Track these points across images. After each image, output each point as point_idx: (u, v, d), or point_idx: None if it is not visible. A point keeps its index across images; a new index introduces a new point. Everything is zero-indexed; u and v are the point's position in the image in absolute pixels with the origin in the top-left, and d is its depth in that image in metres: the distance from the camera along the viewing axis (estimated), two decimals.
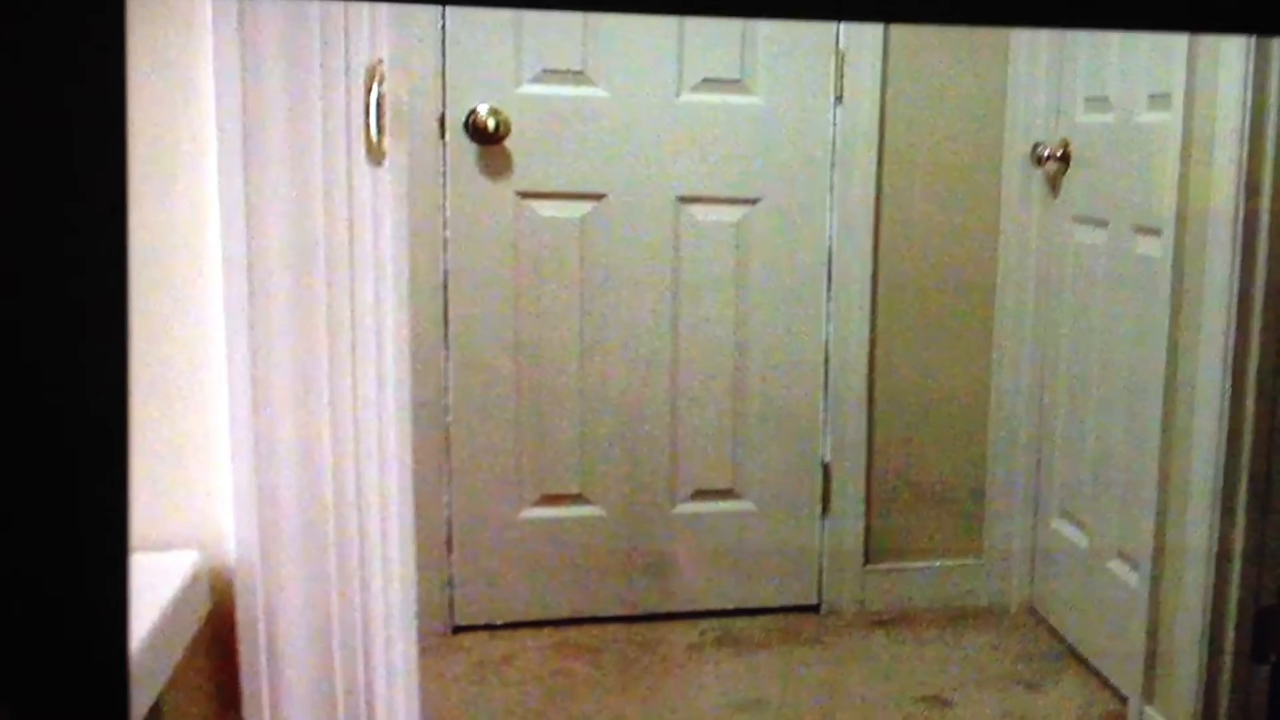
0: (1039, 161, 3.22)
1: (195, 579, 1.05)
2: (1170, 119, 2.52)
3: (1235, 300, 2.28)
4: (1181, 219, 2.48)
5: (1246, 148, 2.26)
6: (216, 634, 1.11)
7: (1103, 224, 2.98)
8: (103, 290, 0.53)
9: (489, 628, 3.20)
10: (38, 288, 0.51)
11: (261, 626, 1.11)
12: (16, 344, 0.51)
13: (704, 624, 3.28)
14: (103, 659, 0.55)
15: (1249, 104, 2.25)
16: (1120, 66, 2.90)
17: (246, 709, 1.12)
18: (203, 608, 1.08)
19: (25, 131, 0.50)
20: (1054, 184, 3.23)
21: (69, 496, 0.53)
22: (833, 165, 3.23)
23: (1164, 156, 2.55)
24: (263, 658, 1.11)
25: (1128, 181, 2.87)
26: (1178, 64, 2.47)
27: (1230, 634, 2.39)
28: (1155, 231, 2.64)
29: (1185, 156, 2.45)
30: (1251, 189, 2.26)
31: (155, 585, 0.98)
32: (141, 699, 0.91)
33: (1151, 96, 2.74)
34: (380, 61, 1.17)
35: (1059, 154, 3.17)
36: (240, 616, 1.10)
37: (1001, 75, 3.27)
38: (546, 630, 3.21)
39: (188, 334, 1.08)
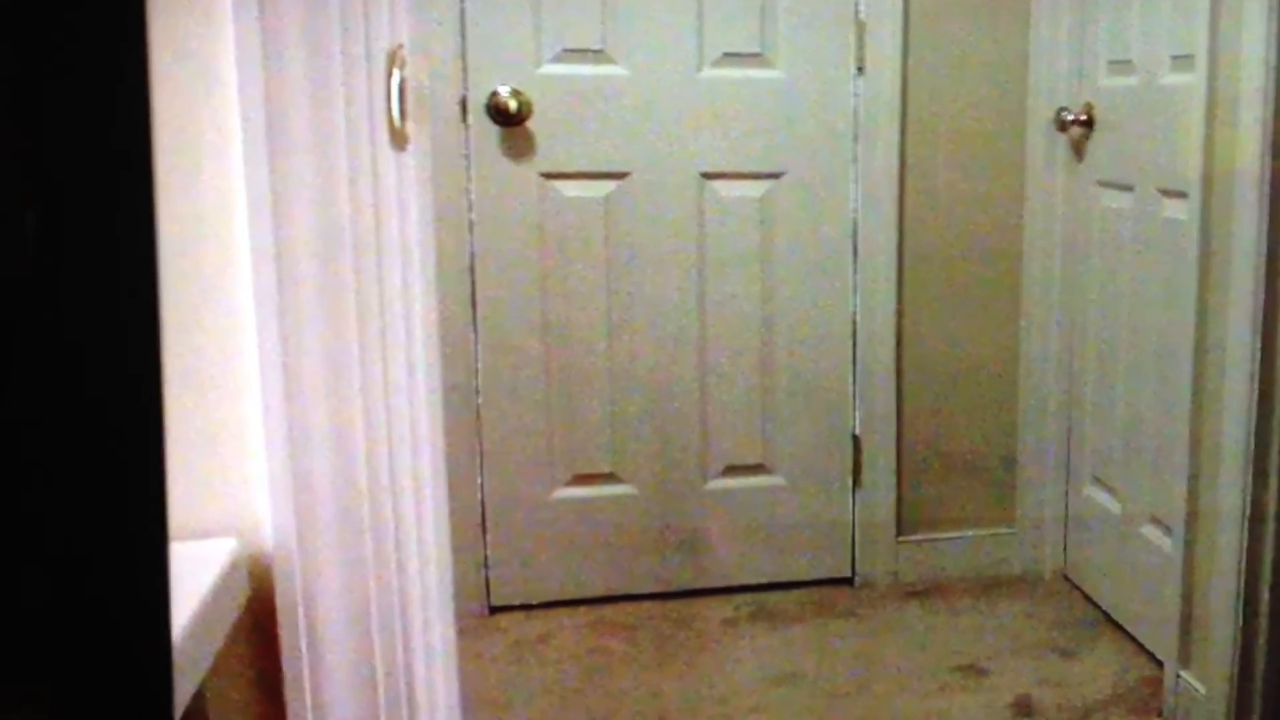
0: (1063, 126, 3.21)
1: (234, 566, 1.06)
2: (1194, 80, 2.50)
3: (1263, 261, 2.27)
4: (1207, 181, 2.46)
5: (1271, 107, 2.24)
6: (256, 620, 1.12)
7: (1128, 188, 2.96)
8: (134, 283, 0.53)
9: (525, 608, 3.22)
10: (70, 282, 0.51)
11: (301, 611, 1.12)
12: (51, 340, 0.51)
13: (738, 599, 3.29)
14: (146, 648, 0.55)
15: (1273, 63, 2.23)
16: (1142, 28, 2.88)
17: (288, 693, 1.12)
18: (242, 594, 1.08)
19: (50, 125, 0.50)
20: (1078, 149, 3.21)
21: (108, 488, 0.53)
22: (855, 137, 3.22)
23: (1188, 118, 2.53)
24: (303, 642, 1.12)
25: (1152, 144, 2.85)
26: (1200, 24, 2.45)
27: (1265, 596, 2.38)
28: (1181, 194, 2.62)
29: (1210, 118, 2.44)
30: (1277, 148, 2.25)
31: (195, 573, 0.99)
32: (185, 686, 0.92)
33: (1174, 58, 2.73)
34: (400, 46, 1.17)
35: (1083, 118, 3.15)
36: (280, 602, 1.11)
37: (1023, 40, 3.26)
38: (582, 609, 3.22)
39: (219, 324, 1.09)
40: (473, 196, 3.05)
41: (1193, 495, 2.56)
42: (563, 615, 3.19)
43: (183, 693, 0.91)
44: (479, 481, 3.15)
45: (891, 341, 3.29)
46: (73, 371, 0.51)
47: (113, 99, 0.51)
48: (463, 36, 2.99)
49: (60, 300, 0.51)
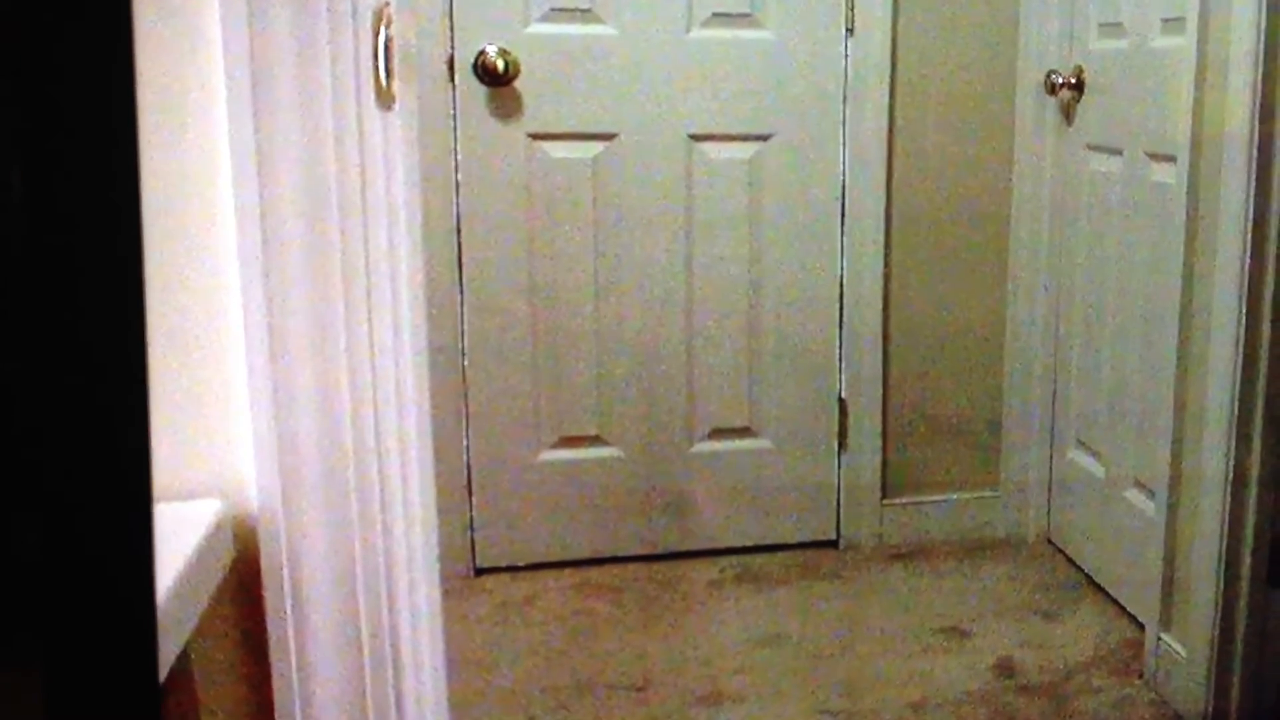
0: (1052, 90, 3.20)
1: (219, 527, 1.05)
2: (1184, 43, 2.50)
3: (1250, 225, 2.27)
4: (1196, 144, 2.46)
5: (1261, 70, 2.24)
6: (241, 581, 1.12)
7: (1117, 151, 2.96)
8: (117, 242, 0.53)
9: (511, 569, 3.22)
10: (53, 241, 0.51)
11: (286, 573, 1.12)
12: (33, 300, 0.51)
13: (723, 561, 3.30)
14: (130, 608, 0.55)
15: (1263, 26, 2.23)
16: None
17: (273, 654, 1.13)
18: (227, 555, 1.08)
19: (34, 83, 0.50)
20: (1068, 112, 3.21)
21: (92, 450, 0.53)
22: (845, 99, 3.21)
23: (1178, 82, 2.53)
24: (288, 603, 1.12)
25: (1142, 108, 2.85)
26: None
27: (1247, 560, 2.39)
28: (1170, 158, 2.62)
29: (1199, 81, 2.44)
30: (1266, 112, 2.25)
31: (179, 534, 0.99)
32: (169, 647, 0.92)
33: (1165, 21, 2.72)
34: (387, 4, 1.16)
35: (1072, 81, 3.15)
36: (264, 563, 1.11)
37: (1014, 3, 3.25)
38: (568, 571, 3.23)
39: (203, 283, 1.08)
40: (459, 157, 3.04)
41: (1176, 459, 2.57)
42: (548, 577, 3.20)
43: (167, 653, 0.91)
44: (465, 443, 3.15)
45: (878, 305, 3.30)
46: (55, 331, 0.51)
47: (96, 56, 0.51)
48: None
49: (43, 258, 0.50)
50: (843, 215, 3.26)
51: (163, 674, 0.93)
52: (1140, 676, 2.70)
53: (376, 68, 1.14)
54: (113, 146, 0.52)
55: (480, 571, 3.21)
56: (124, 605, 0.55)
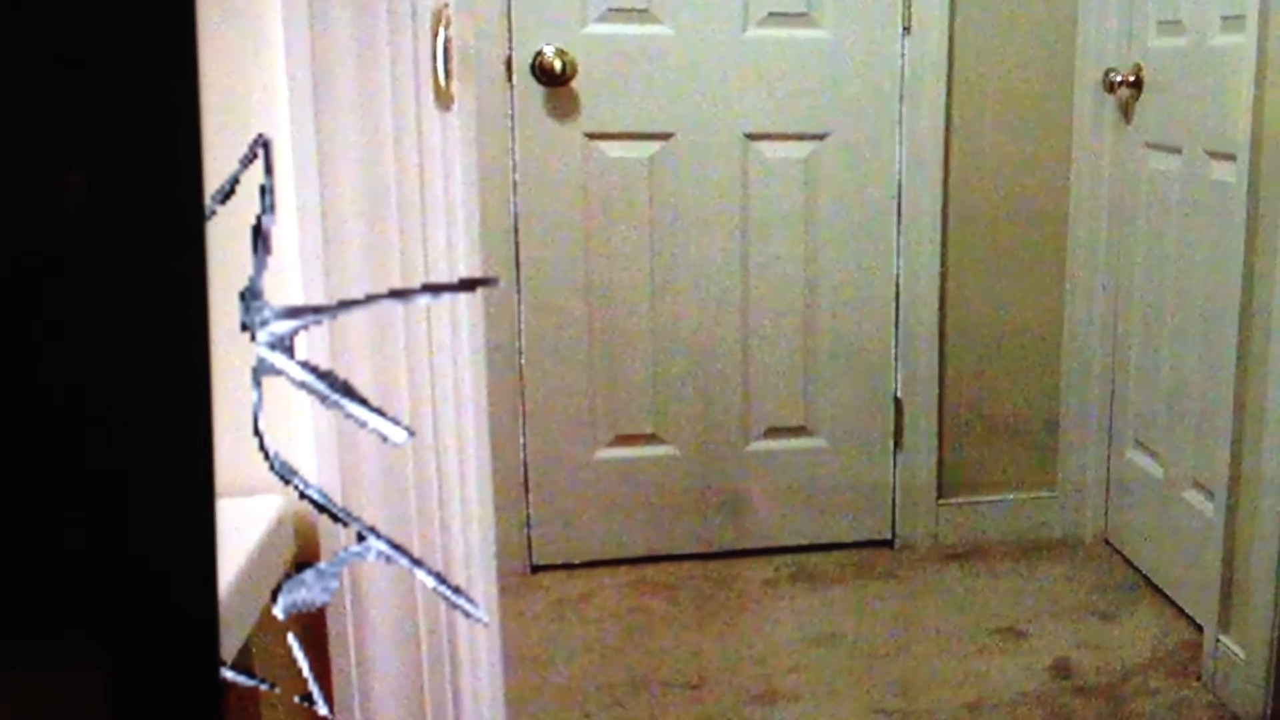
0: (1111, 88, 3.18)
1: (280, 523, 1.07)
2: (1244, 41, 2.47)
3: None
4: (1256, 143, 2.44)
5: None
6: None
7: (1176, 150, 2.94)
8: (179, 240, 0.54)
9: (567, 567, 3.23)
10: (117, 239, 0.52)
11: (345, 569, 1.13)
12: (100, 297, 0.52)
13: (778, 560, 3.30)
14: (193, 603, 0.56)
15: None
16: None
17: (333, 649, 1.14)
18: (288, 551, 1.09)
19: (100, 87, 0.51)
20: (1126, 110, 3.18)
21: (156, 445, 0.54)
22: (901, 98, 3.20)
23: (1238, 79, 2.51)
24: (347, 599, 1.13)
25: (1201, 106, 2.82)
26: None
27: None
28: (1230, 156, 2.60)
29: (1259, 79, 2.41)
30: None
31: (241, 530, 1.00)
32: (231, 641, 0.93)
33: (1225, 18, 2.70)
34: (446, 5, 1.17)
35: (1131, 80, 3.12)
36: (324, 559, 1.12)
37: (1072, 1, 3.23)
38: (623, 568, 3.23)
39: (265, 281, 1.10)
40: (517, 157, 3.05)
41: (1235, 460, 2.55)
42: (604, 575, 3.21)
43: (229, 647, 0.93)
44: (521, 441, 3.16)
45: (934, 304, 3.28)
46: (119, 329, 0.52)
47: (160, 58, 0.52)
48: None
49: (108, 257, 0.51)
50: (899, 214, 3.25)
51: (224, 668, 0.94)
52: (1198, 678, 2.67)
53: (435, 68, 1.15)
54: (177, 147, 0.53)
55: (537, 569, 3.22)
56: (187, 600, 0.56)
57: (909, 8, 3.16)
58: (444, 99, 1.17)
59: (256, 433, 0.75)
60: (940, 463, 3.38)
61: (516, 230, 3.07)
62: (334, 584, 0.81)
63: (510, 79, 3.02)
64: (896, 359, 3.33)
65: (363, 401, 0.73)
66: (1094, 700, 2.62)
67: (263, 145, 0.74)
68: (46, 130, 0.51)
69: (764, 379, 3.28)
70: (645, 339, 3.19)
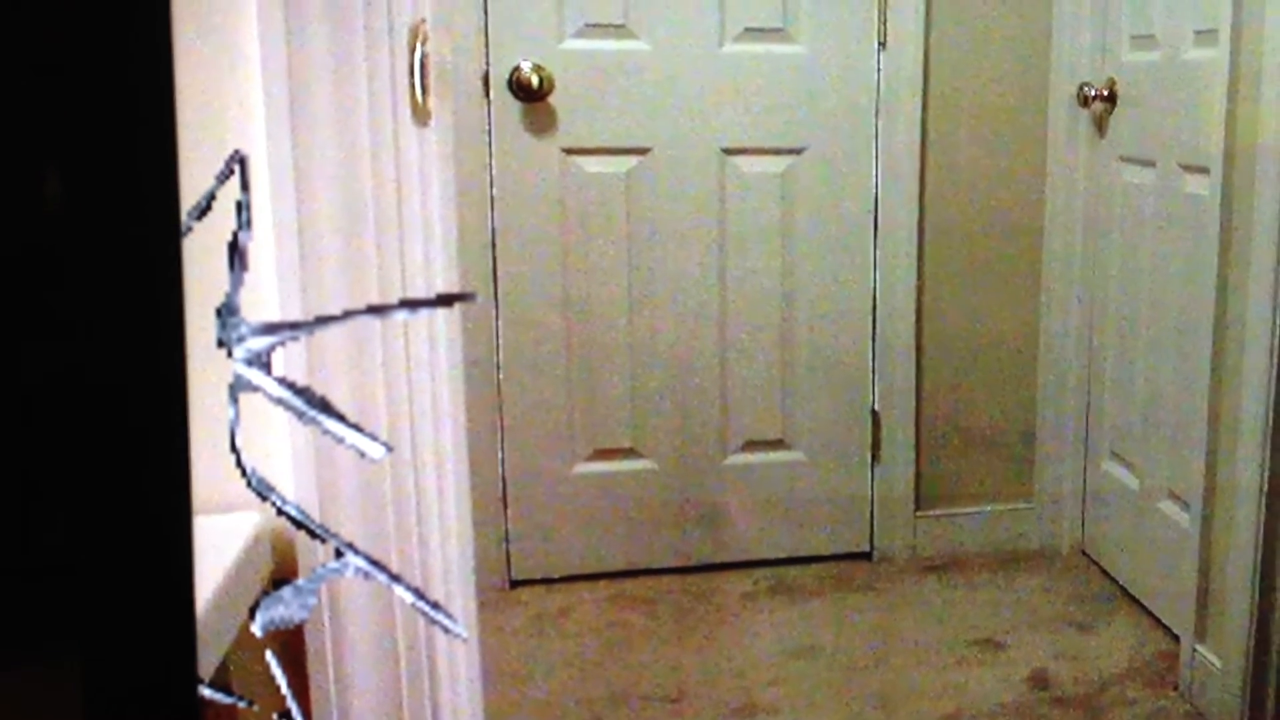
0: (1085, 102, 3.19)
1: (257, 540, 1.06)
2: (1217, 55, 2.49)
3: None
4: (1229, 156, 2.45)
5: None
6: None
7: (1150, 163, 2.95)
8: (154, 254, 0.54)
9: (546, 581, 3.23)
10: (90, 251, 0.52)
11: (323, 585, 1.13)
12: (73, 310, 0.52)
13: (757, 573, 3.30)
14: (171, 620, 0.56)
15: None
16: (1166, 3, 2.87)
17: (311, 665, 1.13)
18: (265, 568, 1.09)
19: (77, 101, 0.51)
20: (1100, 124, 3.20)
21: (133, 462, 0.54)
22: (877, 112, 3.22)
23: (1211, 94, 2.52)
24: (325, 615, 1.13)
25: (1175, 120, 2.84)
26: None
27: None
28: (1203, 170, 2.61)
29: (1232, 93, 2.43)
30: None
31: (218, 547, 1.00)
32: (209, 658, 0.93)
33: (1198, 33, 2.72)
34: (423, 21, 1.17)
35: (1105, 94, 3.14)
36: (302, 575, 1.12)
37: (1046, 15, 3.24)
38: (602, 583, 3.23)
39: (241, 298, 1.09)
40: (494, 172, 3.05)
41: (1211, 471, 2.56)
42: (583, 589, 3.20)
43: (207, 664, 0.92)
44: (500, 456, 3.16)
45: (911, 317, 3.29)
46: (94, 344, 0.52)
47: (136, 72, 0.52)
48: (485, 11, 2.99)
49: (82, 268, 0.51)
50: (875, 228, 3.26)
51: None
52: (1175, 688, 2.68)
53: (413, 84, 1.15)
54: (153, 163, 0.53)
55: (515, 584, 3.22)
56: (164, 617, 0.56)
57: (885, 23, 3.17)
58: (421, 114, 1.17)
59: (234, 449, 0.75)
60: (918, 475, 3.38)
61: (494, 245, 3.07)
62: (312, 600, 0.81)
63: (487, 94, 3.02)
64: (874, 372, 3.33)
65: (340, 417, 0.73)
66: (1072, 711, 2.62)
67: (239, 161, 0.74)
68: (22, 145, 0.51)
69: (742, 393, 3.28)
70: (623, 353, 3.19)
